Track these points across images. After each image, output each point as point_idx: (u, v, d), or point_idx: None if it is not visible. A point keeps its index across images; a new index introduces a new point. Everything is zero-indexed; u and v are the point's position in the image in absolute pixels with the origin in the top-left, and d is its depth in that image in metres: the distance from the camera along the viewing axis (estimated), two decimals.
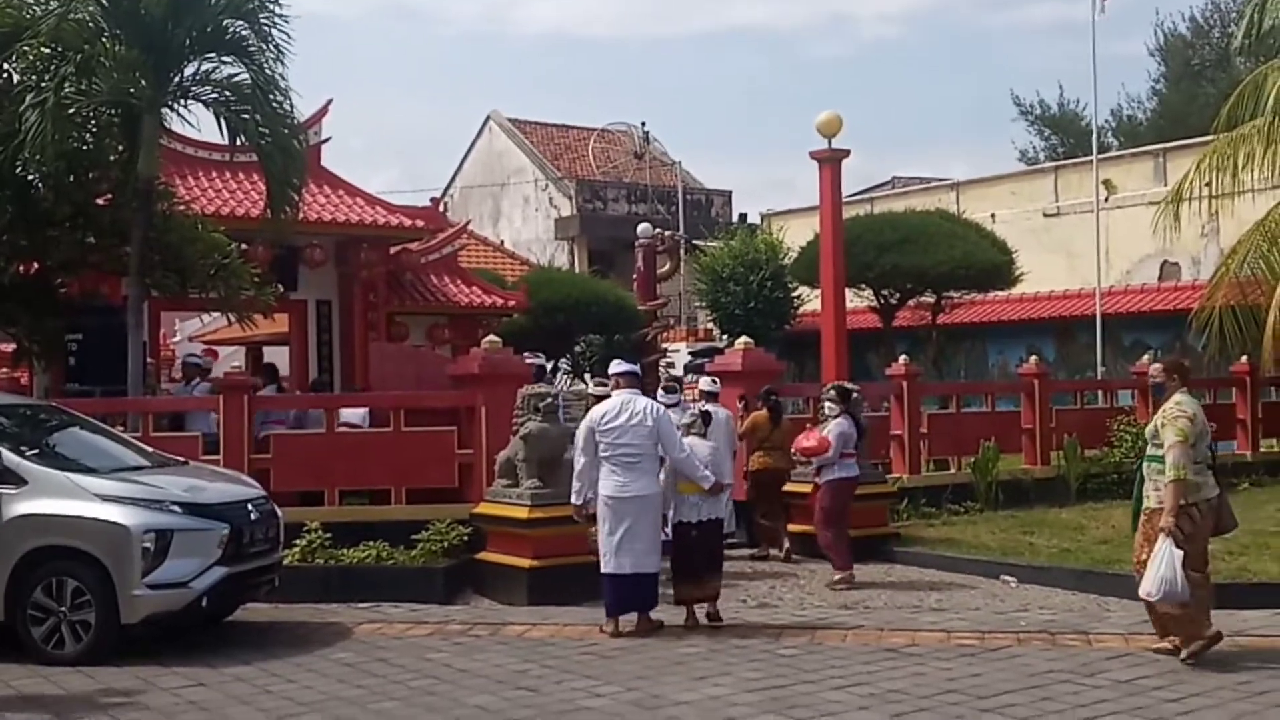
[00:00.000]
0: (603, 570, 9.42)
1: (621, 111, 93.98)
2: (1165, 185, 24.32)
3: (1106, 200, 27.67)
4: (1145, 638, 8.82)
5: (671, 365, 26.45)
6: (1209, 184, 17.16)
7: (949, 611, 10.19)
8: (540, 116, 44.33)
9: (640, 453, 9.33)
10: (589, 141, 42.50)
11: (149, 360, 15.66)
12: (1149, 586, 7.97)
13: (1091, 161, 27.33)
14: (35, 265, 13.96)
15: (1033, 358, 18.75)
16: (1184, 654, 8.13)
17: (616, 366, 10.08)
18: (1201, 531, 8.25)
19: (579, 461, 9.49)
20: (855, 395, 12.74)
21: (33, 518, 8.63)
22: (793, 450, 12.37)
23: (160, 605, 8.76)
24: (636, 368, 10.44)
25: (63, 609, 8.62)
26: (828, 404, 12.21)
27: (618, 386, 9.82)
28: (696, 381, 16.94)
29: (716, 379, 13.70)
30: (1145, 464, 8.50)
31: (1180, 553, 7.90)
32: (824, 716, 7.02)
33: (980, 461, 15.70)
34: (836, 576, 11.51)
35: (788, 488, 13.36)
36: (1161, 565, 7.88)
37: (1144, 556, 8.19)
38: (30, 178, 13.12)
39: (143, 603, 8.66)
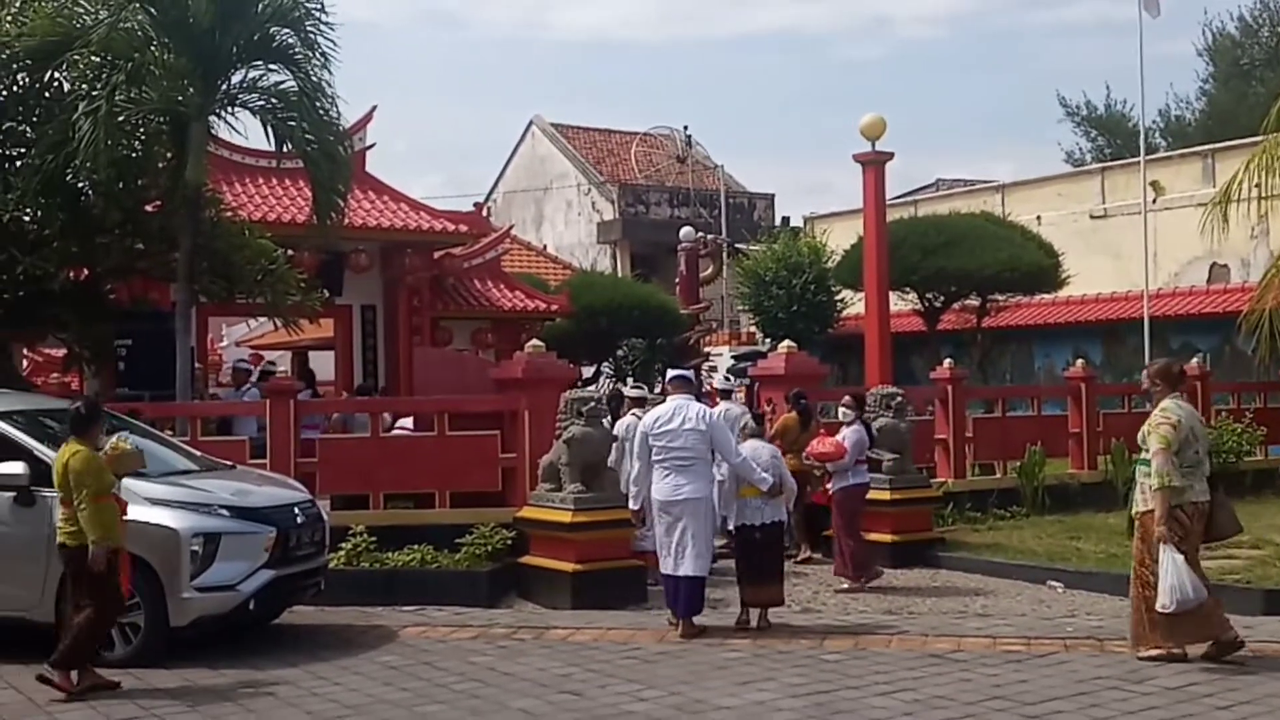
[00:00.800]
0: (662, 570, 9.59)
1: (664, 115, 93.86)
2: (1214, 186, 24.01)
3: (1154, 202, 27.36)
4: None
5: (714, 369, 26.44)
6: (1258, 185, 16.95)
7: (994, 617, 10.12)
8: (582, 121, 44.46)
9: (693, 456, 9.39)
10: (631, 145, 42.53)
11: (196, 365, 15.84)
12: (1163, 599, 7.95)
13: (1139, 162, 26.95)
14: (85, 271, 14.15)
15: (1079, 361, 18.61)
16: (1150, 652, 8.21)
17: (671, 372, 10.40)
18: (1191, 534, 8.24)
19: (635, 466, 9.66)
20: (899, 400, 12.69)
21: None
22: (805, 455, 12.22)
23: (208, 608, 8.85)
24: (690, 374, 10.71)
25: None
26: (842, 410, 12.16)
27: (671, 391, 9.96)
28: (742, 386, 16.94)
29: (730, 377, 13.70)
30: (1137, 469, 8.55)
31: (1181, 556, 7.93)
32: None
33: (1026, 466, 15.59)
34: (846, 585, 11.44)
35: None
36: (1168, 575, 7.90)
37: (1145, 560, 8.21)
38: (81, 185, 13.32)
39: (191, 605, 8.74)
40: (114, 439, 8.49)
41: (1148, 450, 8.26)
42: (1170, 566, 7.90)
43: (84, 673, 8.00)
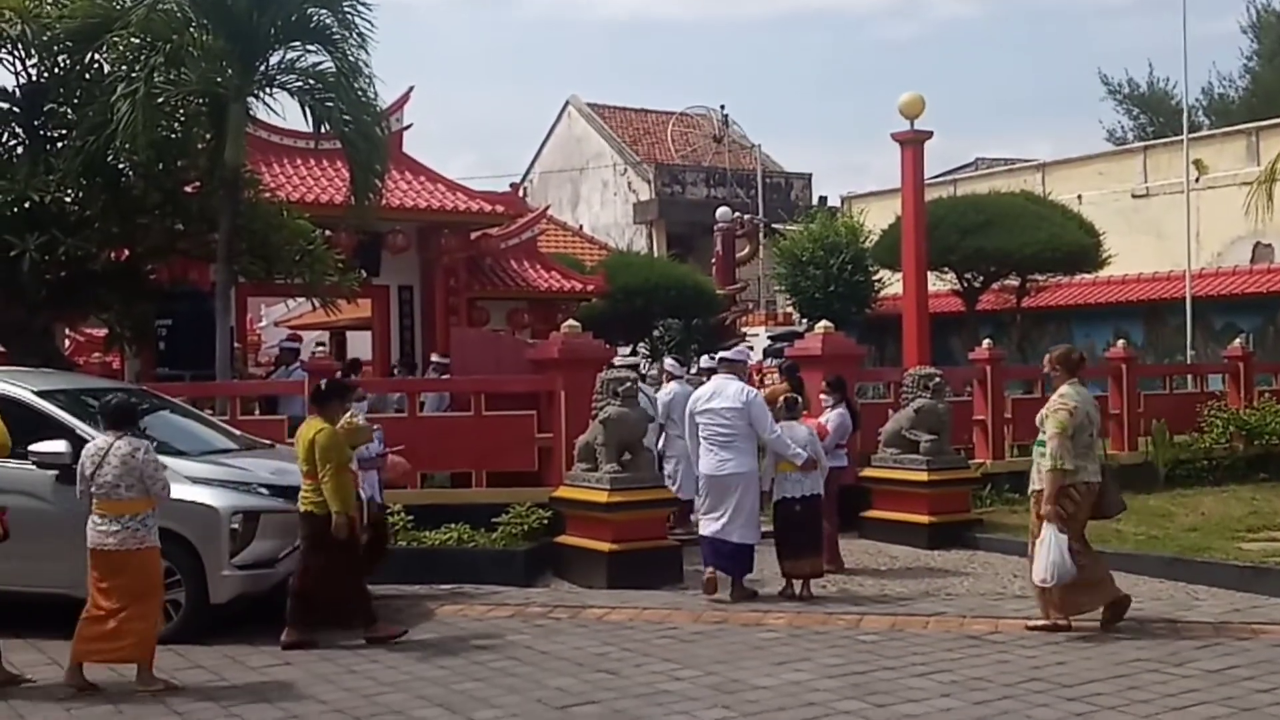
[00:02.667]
0: (701, 532, 10.14)
1: (700, 95, 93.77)
2: (1258, 165, 23.69)
3: (1197, 180, 27.04)
4: (1235, 627, 8.67)
5: (750, 349, 26.38)
6: None
7: (1033, 599, 10.04)
8: (619, 101, 44.37)
9: (734, 432, 9.93)
10: (668, 125, 42.41)
11: (235, 345, 15.96)
12: (1041, 573, 8.46)
13: (1182, 141, 26.69)
14: (126, 252, 14.27)
15: (1120, 341, 18.42)
16: (1040, 622, 8.62)
17: (721, 354, 11.15)
18: (1081, 511, 8.71)
19: (689, 443, 10.33)
20: (937, 380, 12.60)
21: None
22: None
23: (248, 585, 8.95)
24: (737, 355, 11.32)
25: None
26: (823, 395, 12.02)
27: (721, 372, 10.55)
28: (775, 366, 16.89)
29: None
30: (1035, 449, 8.96)
31: (1064, 536, 8.44)
32: (906, 703, 6.97)
33: None
34: (830, 567, 11.22)
35: (865, 472, 13.33)
36: (1050, 550, 8.40)
37: (1032, 541, 8.70)
38: (121, 166, 13.41)
39: (231, 582, 8.84)
40: (346, 415, 9.03)
41: (1045, 432, 8.67)
42: (1052, 543, 8.40)
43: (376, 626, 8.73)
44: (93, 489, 7.67)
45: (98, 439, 7.90)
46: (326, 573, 8.60)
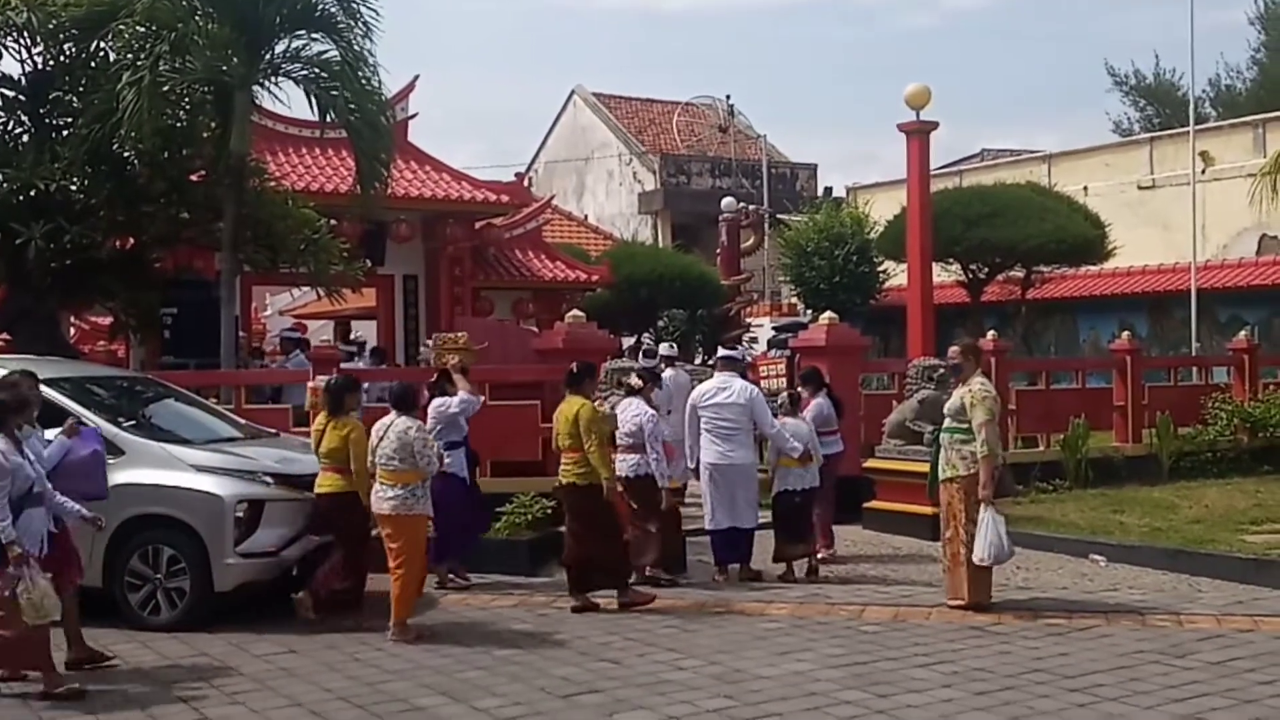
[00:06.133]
0: (707, 527, 10.62)
1: (706, 85, 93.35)
2: (1265, 157, 23.62)
3: (1203, 172, 27.00)
4: (1238, 619, 8.67)
5: (755, 340, 26.39)
6: None
7: (1036, 590, 10.07)
8: (624, 90, 44.30)
9: (736, 426, 10.44)
10: (673, 115, 42.35)
11: (241, 334, 15.97)
12: (981, 553, 8.76)
13: (1188, 132, 26.66)
14: (131, 240, 14.29)
15: (1125, 333, 18.42)
16: (960, 601, 8.98)
17: (721, 352, 11.66)
18: (995, 495, 9.03)
19: (688, 434, 10.65)
20: (941, 372, 12.59)
21: (129, 487, 8.78)
22: None
23: (252, 573, 8.98)
24: (738, 355, 12.20)
25: (158, 576, 8.87)
26: (800, 389, 12.00)
27: (720, 369, 11.10)
28: (780, 357, 16.90)
29: (674, 344, 13.66)
30: (944, 435, 9.24)
31: (1002, 518, 8.83)
32: (908, 693, 6.98)
33: (1070, 439, 15.47)
34: (824, 554, 11.34)
35: (869, 464, 13.34)
36: (989, 531, 8.73)
37: (964, 521, 8.96)
38: (126, 154, 13.43)
39: (235, 571, 8.86)
40: (595, 401, 9.80)
41: (962, 420, 9.00)
42: (992, 524, 8.75)
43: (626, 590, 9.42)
44: (377, 459, 8.64)
45: (385, 417, 8.79)
46: (594, 537, 9.31)
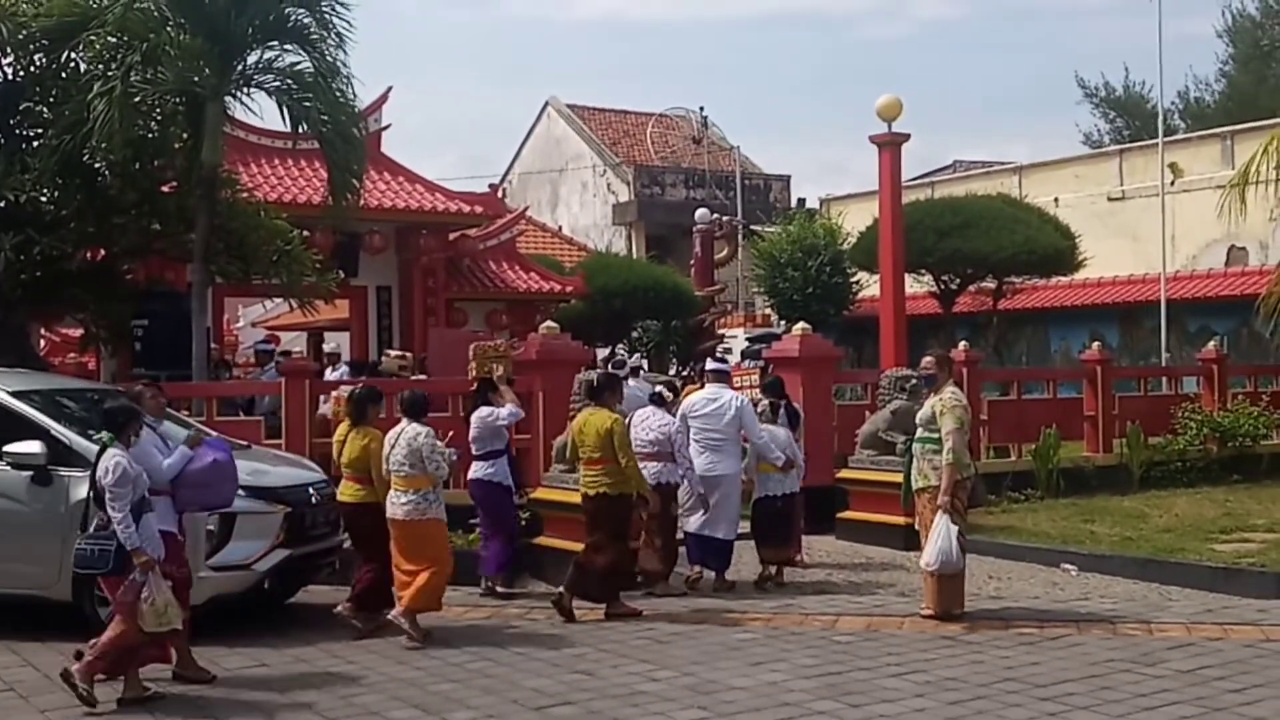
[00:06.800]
0: (688, 530, 10.69)
1: (679, 96, 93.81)
2: (1233, 168, 23.79)
3: (1172, 184, 27.23)
4: (1208, 627, 8.74)
5: (729, 351, 26.42)
6: (1278, 167, 16.81)
7: (1008, 599, 10.12)
8: (598, 102, 44.35)
9: (724, 438, 10.63)
10: (647, 127, 42.42)
11: (213, 346, 15.89)
12: (928, 558, 8.91)
13: (1157, 144, 26.89)
14: (102, 252, 14.22)
15: (1095, 344, 18.53)
16: (930, 611, 9.05)
17: (710, 365, 11.65)
18: (964, 503, 9.19)
19: (678, 443, 10.48)
20: (914, 382, 12.64)
21: None
22: None
23: (224, 586, 8.90)
24: (727, 368, 12.17)
25: None
26: (760, 396, 12.04)
27: (710, 381, 11.20)
28: (754, 368, 16.93)
29: (644, 356, 13.70)
30: (916, 445, 9.35)
31: (956, 528, 8.90)
32: (880, 703, 7.00)
33: (1041, 448, 15.55)
34: (800, 556, 11.51)
35: (842, 474, 13.40)
36: (940, 539, 8.82)
37: (925, 534, 9.07)
38: (97, 165, 13.38)
39: (207, 584, 8.78)
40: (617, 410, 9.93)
41: (933, 429, 9.08)
42: (945, 532, 8.83)
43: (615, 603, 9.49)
44: (390, 467, 8.81)
45: (397, 426, 8.97)
46: (619, 547, 9.49)
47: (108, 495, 7.16)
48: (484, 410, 10.51)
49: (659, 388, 10.94)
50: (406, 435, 8.88)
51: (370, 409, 9.38)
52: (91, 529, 7.27)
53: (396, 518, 8.80)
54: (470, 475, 10.59)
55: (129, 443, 7.44)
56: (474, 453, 10.47)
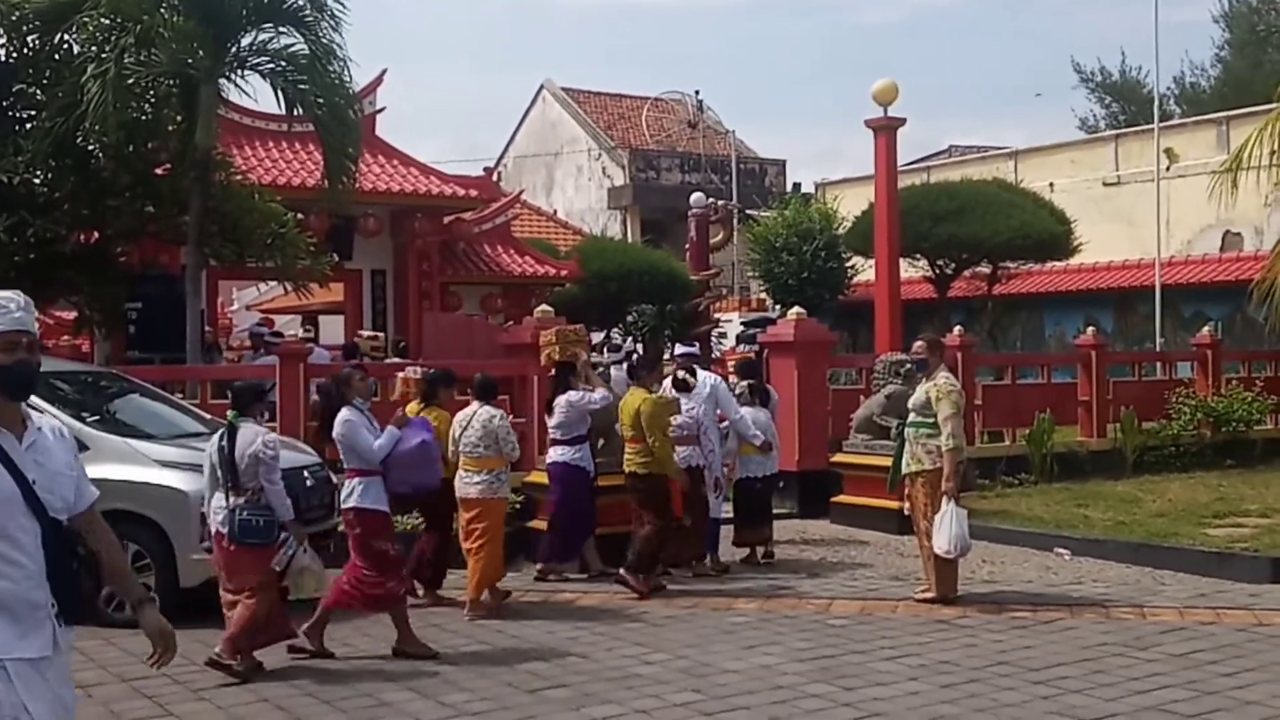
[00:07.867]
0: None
1: (675, 80, 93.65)
2: (1228, 154, 23.78)
3: (1168, 169, 27.22)
4: (1200, 611, 8.77)
5: (724, 335, 26.43)
6: (1273, 152, 16.81)
7: (1001, 584, 10.14)
8: (594, 85, 44.25)
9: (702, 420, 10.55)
10: (642, 111, 42.33)
11: (207, 329, 15.87)
12: (945, 545, 8.82)
13: (1153, 129, 26.89)
14: (96, 234, 14.18)
15: (1090, 329, 18.55)
16: (927, 594, 9.14)
17: (679, 349, 11.74)
18: (958, 486, 9.09)
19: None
20: (908, 367, 12.66)
21: (93, 482, 8.71)
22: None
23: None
24: (696, 350, 12.18)
25: None
26: (734, 378, 12.05)
27: (680, 365, 11.14)
28: (749, 352, 16.95)
29: (639, 340, 13.74)
30: (909, 429, 9.32)
31: (964, 511, 8.93)
32: (874, 686, 7.02)
33: (1035, 433, 15.58)
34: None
35: (836, 458, 13.42)
36: (953, 524, 8.79)
37: (929, 514, 9.01)
38: (91, 148, 13.33)
39: (201, 567, 8.78)
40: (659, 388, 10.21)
41: (927, 414, 9.07)
42: (955, 517, 8.80)
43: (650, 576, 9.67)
44: (461, 448, 9.04)
45: (468, 408, 9.23)
46: (662, 523, 9.63)
47: (263, 468, 7.42)
48: (574, 394, 10.15)
49: (682, 373, 10.81)
50: (481, 417, 9.11)
51: (442, 390, 9.58)
52: (231, 502, 7.42)
53: (470, 496, 9.03)
54: (552, 459, 10.31)
55: (258, 420, 7.79)
56: (559, 437, 10.21)
